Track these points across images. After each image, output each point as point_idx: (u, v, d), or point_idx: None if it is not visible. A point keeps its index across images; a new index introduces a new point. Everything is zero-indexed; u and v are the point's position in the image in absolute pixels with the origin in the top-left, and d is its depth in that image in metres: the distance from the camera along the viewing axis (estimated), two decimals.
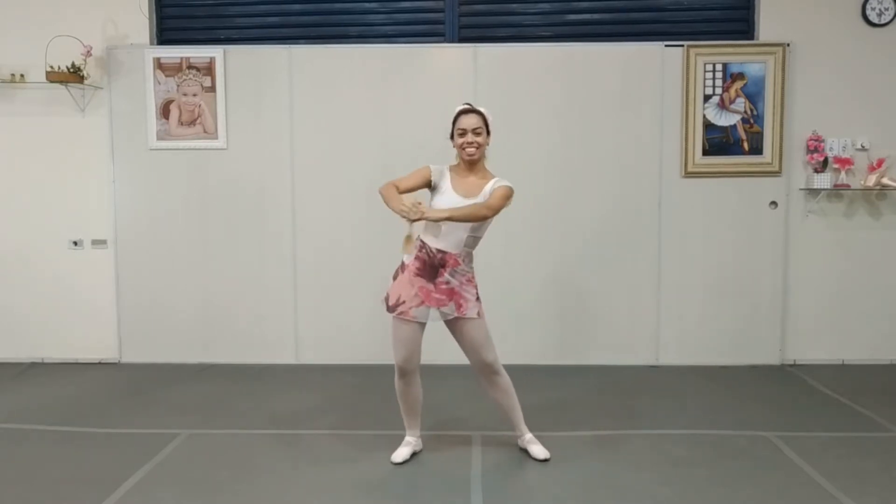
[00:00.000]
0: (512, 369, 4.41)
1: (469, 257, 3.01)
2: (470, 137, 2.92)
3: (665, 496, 2.77)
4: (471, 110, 2.97)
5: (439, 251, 2.92)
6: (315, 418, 3.67)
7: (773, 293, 4.61)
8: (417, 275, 2.95)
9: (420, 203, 2.77)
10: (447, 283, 2.93)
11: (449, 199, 2.92)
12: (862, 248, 4.62)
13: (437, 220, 2.83)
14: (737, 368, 4.56)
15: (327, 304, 4.67)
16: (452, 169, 3.01)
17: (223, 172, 4.62)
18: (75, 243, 4.71)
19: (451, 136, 3.01)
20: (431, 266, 2.94)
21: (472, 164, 2.97)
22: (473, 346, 3.03)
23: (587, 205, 4.58)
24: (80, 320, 4.73)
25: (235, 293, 4.68)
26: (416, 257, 2.96)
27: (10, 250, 4.72)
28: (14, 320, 4.74)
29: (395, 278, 3.04)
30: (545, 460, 3.07)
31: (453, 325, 3.02)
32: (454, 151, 3.03)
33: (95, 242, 4.71)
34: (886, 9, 4.49)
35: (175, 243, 4.66)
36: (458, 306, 2.94)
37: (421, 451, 3.20)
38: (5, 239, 4.72)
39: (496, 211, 2.89)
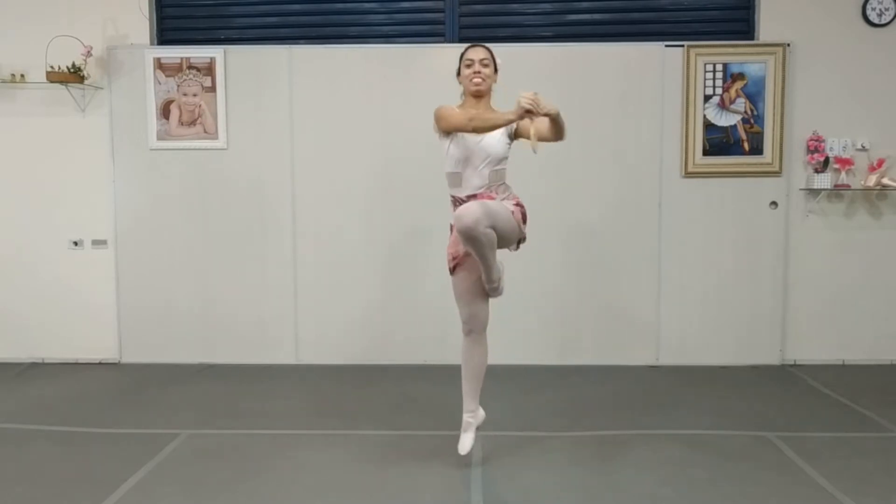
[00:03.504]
0: (512, 369, 4.43)
1: (502, 187, 2.97)
2: (477, 67, 2.92)
3: (665, 496, 2.77)
4: (478, 44, 2.99)
5: (469, 197, 2.90)
6: (315, 418, 3.67)
7: (773, 293, 4.61)
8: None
9: (538, 93, 2.63)
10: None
11: (464, 139, 2.89)
12: (862, 248, 4.62)
13: (552, 114, 2.72)
14: (737, 368, 4.56)
15: (327, 304, 4.67)
16: (460, 108, 2.98)
17: (223, 172, 4.62)
18: (75, 243, 4.71)
19: (458, 73, 3.01)
20: None
21: (478, 97, 2.95)
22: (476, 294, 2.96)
23: (587, 205, 4.58)
24: (80, 320, 4.73)
25: (235, 293, 4.68)
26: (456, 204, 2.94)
27: (11, 250, 4.72)
28: (14, 320, 4.74)
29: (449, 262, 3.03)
30: (462, 454, 3.01)
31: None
32: None
33: (95, 242, 4.71)
34: (886, 9, 4.49)
35: (175, 243, 4.67)
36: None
37: (483, 421, 3.14)
38: (5, 239, 4.72)
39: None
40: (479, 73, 2.92)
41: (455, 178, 2.94)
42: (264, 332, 4.70)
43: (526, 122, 2.75)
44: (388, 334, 4.67)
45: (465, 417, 3.06)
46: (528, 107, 2.64)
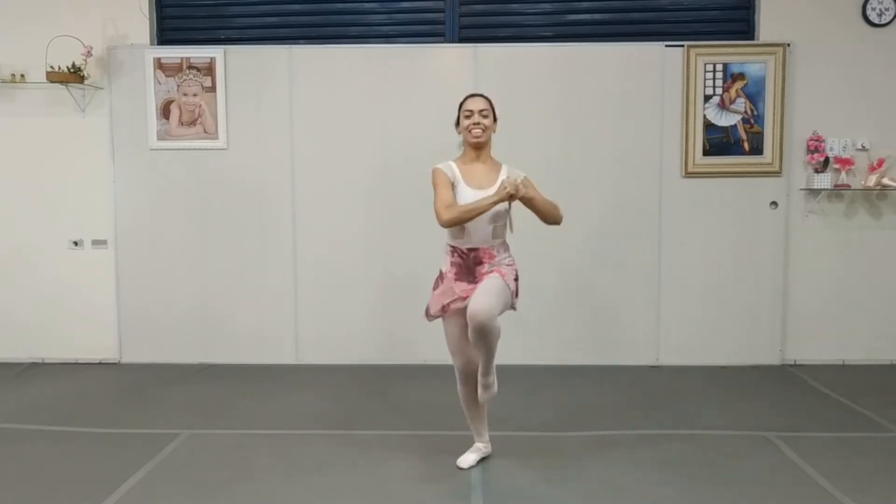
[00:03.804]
0: (513, 369, 4.42)
1: (503, 246, 2.95)
2: (476, 118, 2.88)
3: (665, 496, 2.77)
4: (477, 95, 2.97)
5: (471, 250, 2.88)
6: (315, 419, 3.67)
7: (773, 293, 4.61)
8: (457, 280, 2.89)
9: (525, 178, 2.85)
10: (489, 271, 2.87)
11: (464, 193, 2.85)
12: (862, 248, 4.62)
13: (530, 198, 2.80)
14: (737, 368, 4.56)
15: (327, 304, 4.67)
16: (458, 161, 2.96)
17: (223, 172, 4.62)
18: (75, 243, 4.71)
19: (457, 124, 2.98)
20: (468, 267, 2.89)
21: (478, 148, 2.92)
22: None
23: (587, 205, 4.58)
24: (80, 320, 4.73)
25: (236, 293, 4.68)
26: (452, 263, 2.92)
27: (11, 250, 4.72)
28: (14, 320, 4.74)
29: (434, 289, 2.97)
30: (461, 468, 3.01)
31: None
32: (452, 154, 3.02)
33: (95, 242, 4.71)
34: (887, 9, 4.49)
35: (175, 243, 4.67)
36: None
37: (489, 456, 3.13)
38: (5, 239, 4.72)
39: (560, 220, 2.99)
40: (478, 124, 2.88)
41: (457, 230, 2.88)
42: (264, 333, 4.70)
43: (508, 203, 2.81)
44: (388, 334, 4.67)
45: (477, 444, 3.12)
46: (512, 192, 2.73)
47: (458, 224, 2.82)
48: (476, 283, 2.85)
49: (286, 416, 3.70)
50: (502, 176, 2.90)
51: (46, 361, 4.76)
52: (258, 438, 3.38)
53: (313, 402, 3.94)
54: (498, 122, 3.00)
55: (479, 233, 2.87)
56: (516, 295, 2.95)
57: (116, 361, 4.75)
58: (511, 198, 2.76)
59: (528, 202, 2.83)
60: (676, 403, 3.88)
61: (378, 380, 4.31)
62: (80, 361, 4.75)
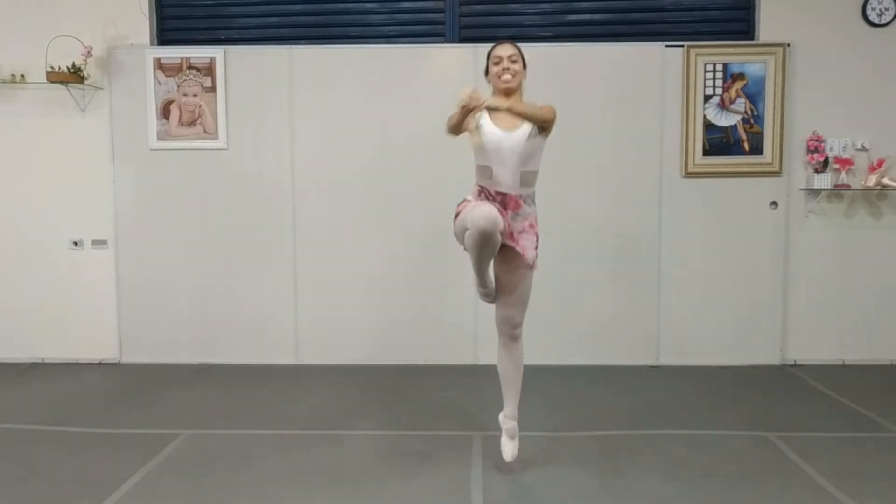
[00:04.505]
0: None
1: (530, 198, 2.89)
2: (506, 63, 2.83)
3: (665, 496, 2.77)
4: (506, 41, 2.93)
5: (499, 193, 2.83)
6: (315, 419, 3.67)
7: (773, 293, 4.61)
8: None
9: (475, 89, 2.64)
10: (511, 219, 2.83)
11: (492, 134, 2.80)
12: (862, 248, 4.62)
13: (496, 109, 2.73)
14: (737, 368, 4.56)
15: (327, 304, 4.67)
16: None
17: (223, 172, 4.62)
18: (75, 243, 4.71)
19: (486, 72, 2.95)
20: None
21: (508, 93, 2.86)
22: (510, 296, 2.88)
23: (587, 205, 4.58)
24: (80, 320, 4.74)
25: (235, 293, 4.68)
26: (476, 194, 2.88)
27: (11, 250, 4.72)
28: (14, 320, 4.74)
29: (456, 217, 2.88)
30: (507, 461, 2.97)
31: (505, 258, 2.87)
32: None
33: (95, 242, 4.71)
34: (886, 9, 4.49)
35: (175, 243, 4.67)
36: (520, 246, 2.83)
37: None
38: (5, 239, 4.72)
39: (552, 119, 2.82)
40: (507, 69, 2.84)
41: (485, 172, 2.84)
42: (264, 333, 4.70)
43: (473, 118, 2.72)
44: (388, 334, 4.67)
45: (504, 416, 3.03)
46: (464, 104, 2.63)
47: (450, 132, 2.78)
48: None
49: (286, 416, 3.70)
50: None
51: (46, 361, 4.76)
52: (258, 438, 3.38)
53: (313, 402, 3.94)
54: (527, 68, 2.94)
55: (507, 177, 2.81)
56: (534, 263, 2.90)
57: (116, 361, 4.75)
58: (466, 109, 2.63)
59: (501, 111, 2.72)
60: (676, 403, 3.88)
61: (378, 379, 4.31)
62: (80, 361, 4.75)
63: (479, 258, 2.78)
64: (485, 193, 2.87)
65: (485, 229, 2.63)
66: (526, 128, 2.80)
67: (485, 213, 2.63)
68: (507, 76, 2.85)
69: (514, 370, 2.99)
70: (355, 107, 4.57)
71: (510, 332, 2.94)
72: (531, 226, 2.89)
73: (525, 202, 2.87)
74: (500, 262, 2.91)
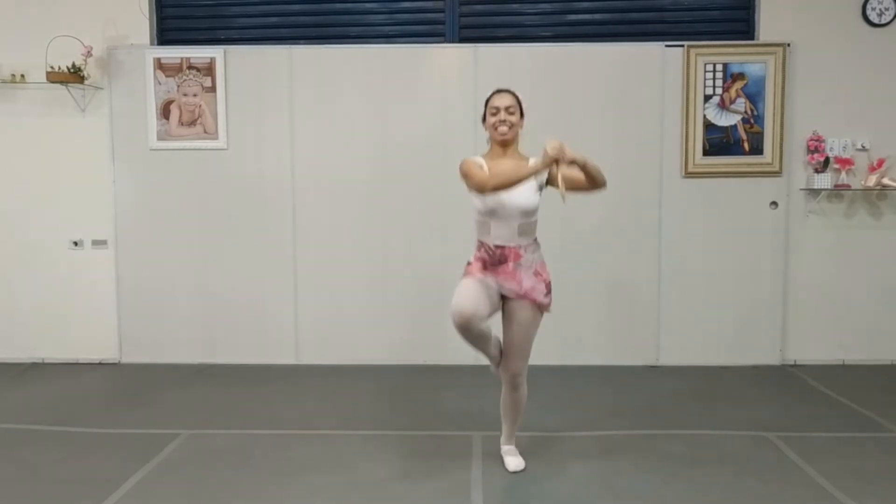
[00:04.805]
0: None
1: (532, 246, 2.87)
2: (503, 115, 2.80)
3: (665, 496, 2.77)
4: (504, 90, 2.89)
5: (497, 247, 2.81)
6: (315, 419, 3.67)
7: (773, 293, 4.61)
8: (483, 272, 2.83)
9: (563, 143, 2.62)
10: (513, 271, 2.82)
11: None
12: (862, 248, 4.62)
13: (579, 163, 2.68)
14: (737, 368, 4.56)
15: (327, 304, 4.67)
16: (485, 156, 2.89)
17: (223, 172, 4.62)
18: (75, 243, 4.71)
19: (483, 119, 2.91)
20: (493, 263, 2.83)
21: (504, 145, 2.84)
22: (510, 346, 2.88)
23: (587, 205, 4.57)
24: (80, 320, 4.74)
25: (235, 293, 4.68)
26: (477, 258, 2.86)
27: (11, 250, 4.72)
28: (14, 320, 4.74)
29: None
30: (516, 472, 2.98)
31: (505, 313, 2.89)
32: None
33: (95, 242, 4.71)
34: (886, 9, 4.49)
35: (175, 243, 4.67)
36: (524, 289, 2.83)
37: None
38: (5, 239, 4.72)
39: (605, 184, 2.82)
40: (504, 121, 2.80)
41: (483, 227, 2.84)
42: (264, 333, 4.70)
43: (554, 169, 2.68)
44: (388, 335, 4.67)
45: (503, 443, 3.11)
46: (555, 155, 2.61)
47: (504, 188, 2.67)
48: (503, 273, 2.80)
49: (286, 416, 3.70)
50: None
51: (46, 361, 4.76)
52: (258, 438, 3.38)
53: (313, 402, 3.94)
54: (525, 117, 2.90)
55: (503, 229, 2.80)
56: (548, 308, 2.93)
57: (116, 361, 4.75)
58: (556, 163, 2.62)
59: (575, 166, 2.69)
60: (677, 403, 3.88)
61: (378, 380, 4.31)
62: (80, 361, 4.75)
63: (472, 343, 2.81)
64: (484, 249, 2.86)
65: (459, 325, 2.67)
66: (532, 184, 2.79)
67: (457, 309, 2.65)
68: (503, 128, 2.82)
69: (514, 410, 3.04)
70: (355, 107, 4.57)
71: (511, 380, 2.95)
72: (537, 273, 2.87)
73: (525, 251, 2.84)
74: (502, 316, 2.92)
